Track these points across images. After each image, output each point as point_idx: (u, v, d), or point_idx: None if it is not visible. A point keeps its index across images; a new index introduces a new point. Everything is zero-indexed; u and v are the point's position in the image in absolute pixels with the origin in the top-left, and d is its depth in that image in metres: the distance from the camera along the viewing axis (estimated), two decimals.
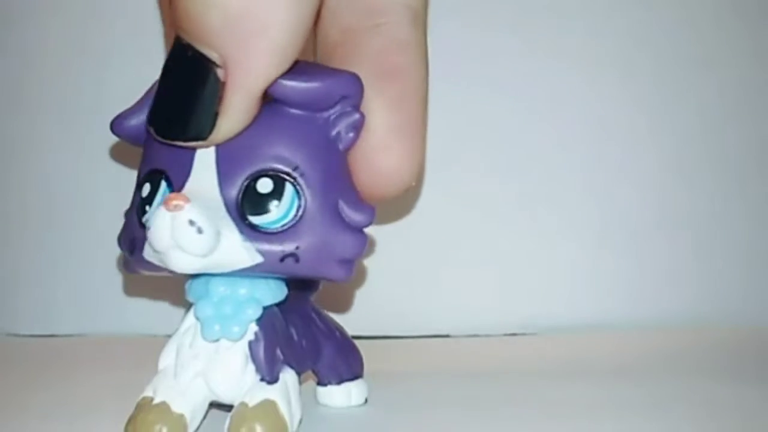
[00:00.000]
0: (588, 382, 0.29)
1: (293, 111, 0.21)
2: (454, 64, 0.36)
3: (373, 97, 0.22)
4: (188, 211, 0.19)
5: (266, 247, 0.21)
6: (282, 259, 0.21)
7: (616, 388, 0.28)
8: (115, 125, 0.23)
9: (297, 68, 0.21)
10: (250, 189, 0.21)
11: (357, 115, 0.22)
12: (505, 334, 0.37)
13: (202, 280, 0.21)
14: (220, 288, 0.21)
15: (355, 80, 0.22)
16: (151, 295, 0.36)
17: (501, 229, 0.37)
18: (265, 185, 0.21)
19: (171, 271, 0.21)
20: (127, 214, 0.23)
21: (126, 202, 0.23)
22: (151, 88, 0.22)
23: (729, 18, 0.38)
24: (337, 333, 0.26)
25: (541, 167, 0.37)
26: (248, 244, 0.20)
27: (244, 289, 0.21)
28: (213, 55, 0.19)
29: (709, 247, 0.38)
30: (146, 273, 0.22)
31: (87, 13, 0.36)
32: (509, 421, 0.25)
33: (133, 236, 0.22)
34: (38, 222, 0.37)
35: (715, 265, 0.38)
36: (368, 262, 0.36)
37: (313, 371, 0.25)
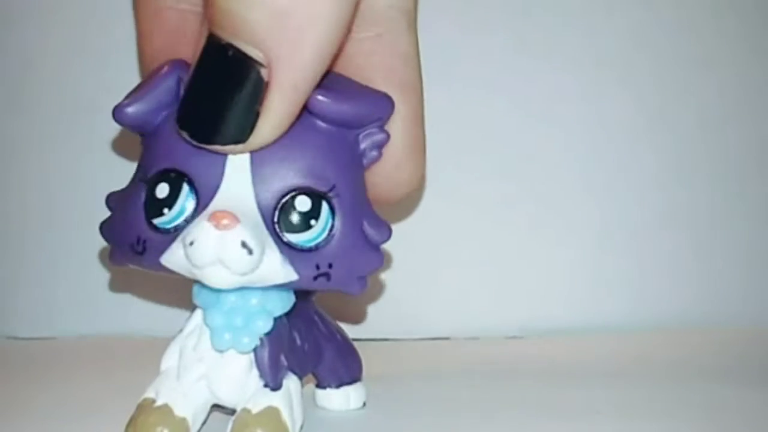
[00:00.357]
0: (588, 384, 0.29)
1: (326, 126, 0.21)
2: (454, 64, 0.36)
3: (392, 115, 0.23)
4: (240, 232, 0.19)
5: (302, 266, 0.20)
6: (316, 278, 0.21)
7: (617, 390, 0.28)
8: (118, 112, 0.22)
9: (335, 83, 0.21)
10: (287, 205, 0.20)
11: (383, 135, 0.22)
12: (506, 337, 0.37)
13: (211, 288, 0.21)
14: (230, 297, 0.21)
15: (390, 103, 0.22)
16: (151, 297, 0.36)
17: (500, 231, 0.37)
18: (303, 203, 0.21)
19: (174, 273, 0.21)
20: (118, 202, 0.22)
21: None
22: (153, 73, 0.22)
23: (728, 18, 0.38)
24: (338, 336, 0.26)
25: (540, 169, 0.37)
26: (287, 263, 0.20)
27: (255, 299, 0.21)
28: (258, 54, 0.19)
29: (709, 248, 0.38)
30: (131, 266, 0.22)
31: (87, 13, 0.36)
32: (509, 424, 0.25)
33: (139, 235, 0.21)
34: (38, 223, 0.37)
35: (715, 266, 0.38)
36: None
37: (313, 374, 0.25)
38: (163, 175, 0.21)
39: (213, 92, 0.19)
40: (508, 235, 0.37)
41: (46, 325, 0.37)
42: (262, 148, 0.20)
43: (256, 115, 0.19)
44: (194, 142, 0.20)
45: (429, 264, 0.37)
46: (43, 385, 0.29)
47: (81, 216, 0.37)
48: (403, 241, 0.36)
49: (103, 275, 0.36)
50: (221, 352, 0.21)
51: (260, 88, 0.19)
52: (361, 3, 0.22)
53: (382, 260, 0.22)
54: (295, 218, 0.20)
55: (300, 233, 0.20)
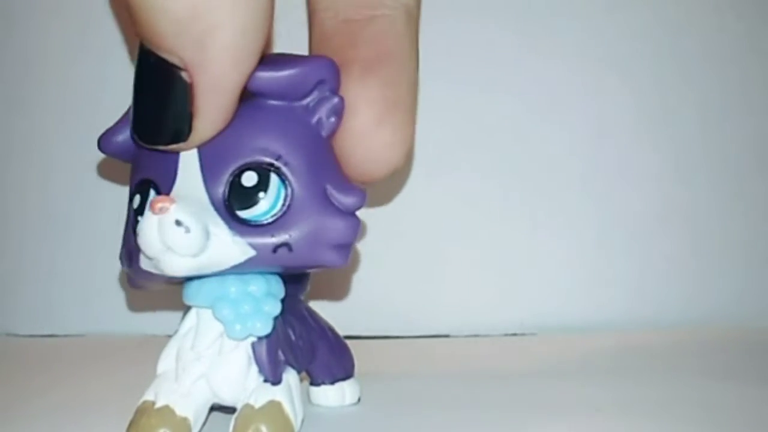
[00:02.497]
0: (588, 382, 0.29)
1: (272, 103, 0.21)
2: (453, 63, 0.36)
3: (368, 75, 0.23)
4: (174, 212, 0.19)
5: (258, 239, 0.20)
6: (275, 250, 0.21)
7: (616, 388, 0.28)
8: (102, 143, 0.23)
9: (269, 60, 0.21)
10: (235, 184, 0.21)
11: (336, 99, 0.22)
12: (505, 334, 0.37)
13: (212, 284, 0.21)
14: (231, 289, 0.21)
15: (329, 64, 0.22)
16: (152, 295, 0.36)
17: (500, 228, 0.37)
18: (249, 178, 0.21)
19: (169, 279, 0.21)
20: (125, 229, 0.23)
21: (126, 202, 0.23)
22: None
23: (729, 17, 0.38)
24: (330, 333, 0.26)
25: (541, 166, 0.37)
26: (239, 239, 0.20)
27: (254, 285, 0.21)
28: (174, 59, 0.19)
29: (709, 247, 0.38)
30: (149, 285, 0.22)
31: (87, 14, 0.36)
32: (508, 422, 0.25)
33: (130, 248, 0.22)
34: (38, 222, 0.37)
35: (715, 264, 0.38)
36: (368, 262, 0.36)
37: (307, 371, 0.25)
38: (137, 187, 0.22)
39: (149, 96, 0.20)
40: (508, 232, 0.37)
41: (46, 322, 0.37)
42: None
43: (191, 115, 0.20)
44: (143, 144, 0.21)
45: (429, 261, 0.37)
46: (43, 382, 0.29)
47: (81, 214, 0.37)
48: (403, 238, 0.37)
49: (103, 273, 0.36)
50: (218, 343, 0.21)
51: (186, 91, 0.19)
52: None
53: (358, 227, 0.21)
54: (242, 194, 0.21)
55: (251, 208, 0.21)
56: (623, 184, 0.38)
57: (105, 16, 0.36)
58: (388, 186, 0.37)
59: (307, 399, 0.26)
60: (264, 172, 0.21)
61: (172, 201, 0.19)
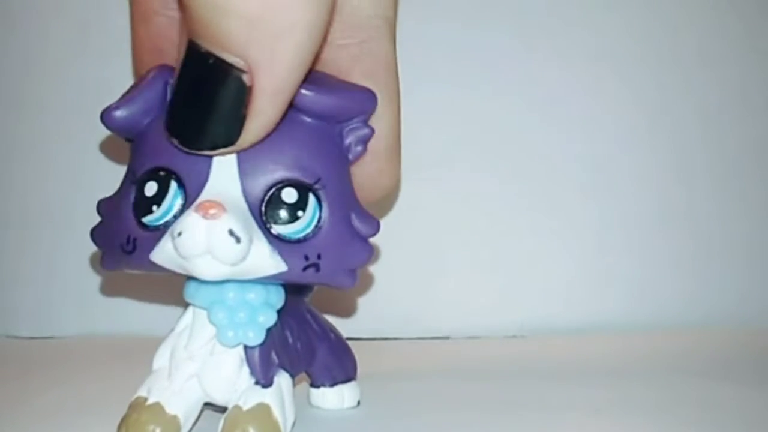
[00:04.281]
0: (587, 383, 0.29)
1: (311, 121, 0.21)
2: (453, 64, 0.37)
3: (375, 121, 0.23)
4: (227, 221, 0.19)
5: (291, 256, 0.21)
6: (305, 269, 0.21)
7: (616, 390, 0.28)
8: (106, 116, 0.22)
9: (318, 79, 0.21)
10: (274, 198, 0.21)
11: (367, 130, 0.22)
12: (505, 336, 0.37)
13: (211, 285, 0.21)
14: (230, 294, 0.21)
15: (373, 97, 0.22)
16: (150, 297, 0.36)
17: (500, 230, 0.37)
18: (290, 195, 0.21)
19: (157, 269, 0.21)
20: (109, 207, 0.22)
21: None
22: (141, 78, 0.22)
23: (729, 17, 0.38)
24: (332, 335, 0.26)
25: (540, 168, 0.37)
26: (276, 254, 0.20)
27: (253, 293, 0.21)
28: (237, 61, 0.19)
29: (709, 248, 0.38)
30: (124, 270, 0.22)
31: (87, 14, 0.36)
32: (509, 423, 0.25)
33: (129, 234, 0.21)
34: (38, 223, 0.37)
35: (715, 265, 0.38)
36: (368, 264, 0.36)
37: (307, 373, 0.25)
38: (152, 174, 0.21)
39: (198, 99, 0.20)
40: (508, 234, 0.37)
41: (46, 324, 0.37)
42: None
43: (243, 118, 0.19)
44: (184, 149, 0.20)
45: (429, 264, 0.37)
46: (43, 383, 0.29)
47: (80, 216, 0.36)
48: (403, 240, 0.36)
49: (103, 275, 0.36)
50: (210, 344, 0.21)
51: (244, 93, 0.19)
52: (344, 11, 0.23)
53: (372, 253, 0.22)
54: (282, 210, 0.21)
55: (287, 225, 0.21)
56: (623, 186, 0.38)
57: (105, 16, 0.36)
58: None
59: (306, 400, 0.26)
60: (304, 191, 0.21)
61: (224, 208, 0.19)
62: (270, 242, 0.20)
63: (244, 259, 0.20)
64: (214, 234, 0.19)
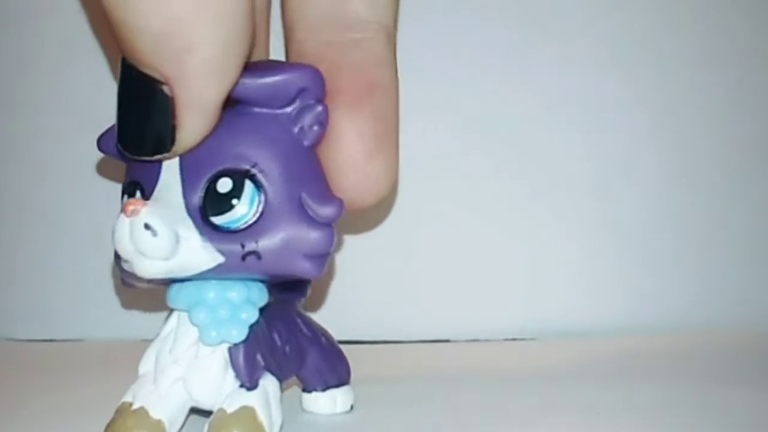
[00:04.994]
0: (589, 386, 0.29)
1: (255, 110, 0.21)
2: (452, 64, 0.36)
3: (359, 107, 0.23)
4: (144, 215, 0.19)
5: (227, 246, 0.20)
6: (243, 258, 0.21)
7: (618, 393, 0.28)
8: (101, 143, 0.23)
9: (253, 66, 0.21)
10: (210, 190, 0.21)
11: (319, 108, 0.22)
12: (506, 339, 0.37)
13: (190, 287, 0.21)
14: (210, 294, 0.21)
15: (313, 72, 0.22)
16: (149, 301, 0.36)
17: (500, 232, 0.37)
18: (224, 185, 0.21)
19: (149, 280, 0.21)
20: None
21: None
22: None
23: (731, 16, 0.37)
24: (323, 339, 0.25)
25: (541, 170, 0.37)
26: (208, 245, 0.20)
27: (234, 292, 0.21)
28: (155, 74, 0.19)
29: (711, 250, 0.38)
30: (138, 285, 0.22)
31: (84, 15, 0.37)
32: (509, 427, 0.24)
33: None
34: (36, 225, 0.37)
35: (717, 267, 0.38)
36: (367, 267, 0.36)
37: (298, 377, 0.25)
38: (127, 188, 0.22)
39: (132, 109, 0.20)
40: (509, 236, 0.37)
41: (45, 327, 0.37)
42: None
43: (173, 128, 0.20)
44: (128, 155, 0.21)
45: (429, 266, 0.37)
46: (41, 386, 0.29)
47: (80, 218, 0.37)
48: (403, 242, 0.36)
49: (102, 277, 0.36)
50: (194, 347, 0.21)
51: (167, 104, 0.20)
52: (339, 15, 0.23)
53: (332, 238, 0.21)
54: (216, 199, 0.21)
55: (224, 214, 0.21)
56: (624, 187, 0.37)
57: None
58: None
59: (299, 405, 0.26)
60: (239, 178, 0.21)
61: (144, 204, 0.20)
62: (204, 234, 0.20)
63: (175, 254, 0.20)
64: (134, 230, 0.19)
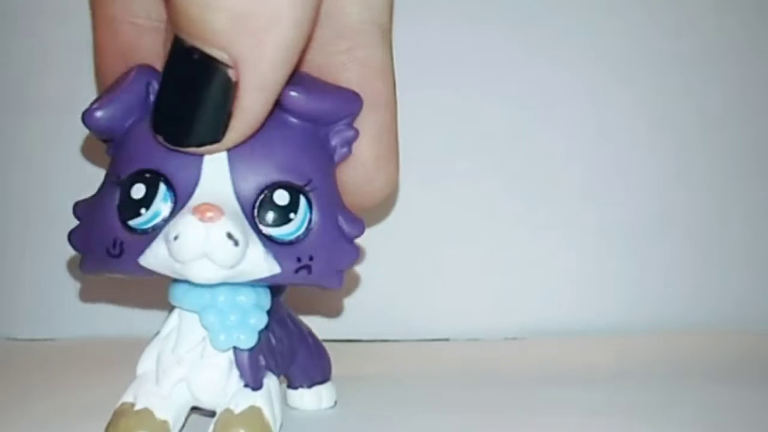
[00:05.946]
0: (588, 386, 0.29)
1: (298, 122, 0.22)
2: (452, 66, 0.36)
3: (360, 123, 0.23)
4: (225, 224, 0.19)
5: (284, 258, 0.21)
6: (297, 270, 0.21)
7: (616, 392, 0.28)
8: (88, 117, 0.22)
9: (305, 80, 0.21)
10: (266, 200, 0.21)
11: (352, 132, 0.23)
12: (505, 338, 0.37)
13: (201, 289, 0.21)
14: (220, 297, 0.21)
15: (358, 100, 0.22)
16: (151, 299, 0.36)
17: (500, 232, 0.37)
18: (282, 197, 0.21)
19: (146, 274, 0.20)
20: (88, 209, 0.22)
21: None
22: (121, 78, 0.22)
23: (729, 19, 0.38)
24: (309, 337, 0.26)
25: (540, 170, 0.37)
26: (270, 256, 0.21)
27: (243, 296, 0.21)
28: (222, 56, 0.19)
29: (709, 251, 0.38)
30: (103, 273, 0.22)
31: (88, 15, 0.36)
32: (508, 426, 0.25)
33: (115, 237, 0.21)
34: (38, 225, 0.37)
35: (715, 268, 0.38)
36: (368, 266, 0.36)
37: (284, 374, 0.25)
38: (139, 176, 0.21)
39: (183, 95, 0.20)
40: (508, 236, 0.37)
41: (46, 326, 0.37)
42: (236, 146, 0.20)
43: (229, 115, 0.19)
44: (169, 146, 0.20)
45: (429, 265, 0.37)
46: (42, 386, 0.29)
47: None
48: (403, 242, 0.36)
49: (103, 277, 0.36)
50: (199, 348, 0.21)
51: (229, 89, 0.19)
52: (334, 15, 0.23)
53: (358, 254, 0.22)
54: (274, 212, 0.21)
55: (280, 227, 0.21)
56: (623, 188, 0.37)
57: None
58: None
59: (283, 401, 0.26)
60: (295, 193, 0.21)
61: (222, 212, 0.19)
62: (266, 246, 0.20)
63: (240, 262, 0.20)
64: (212, 237, 0.19)
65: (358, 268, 0.36)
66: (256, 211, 0.21)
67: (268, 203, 0.21)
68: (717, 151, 0.38)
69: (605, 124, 0.37)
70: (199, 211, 0.19)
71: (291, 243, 0.21)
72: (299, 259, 0.21)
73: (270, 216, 0.21)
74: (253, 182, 0.21)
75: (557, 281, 0.37)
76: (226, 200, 0.20)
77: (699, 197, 0.38)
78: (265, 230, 0.21)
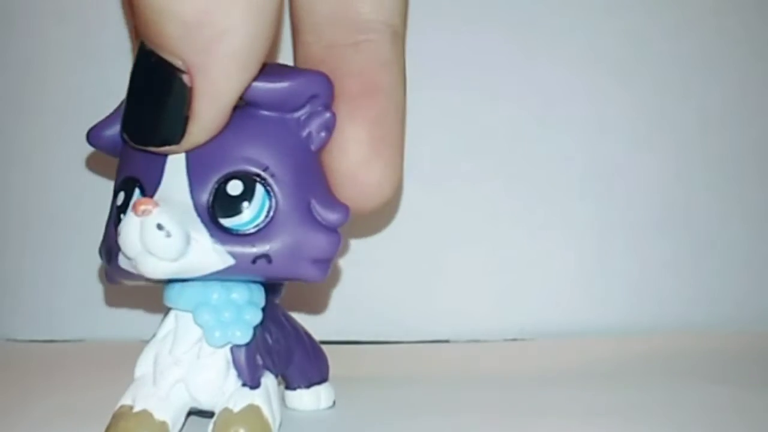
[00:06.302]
0: (588, 387, 0.29)
1: (264, 113, 0.21)
2: (452, 68, 0.36)
3: (355, 113, 0.23)
4: (156, 216, 0.19)
5: (238, 249, 0.20)
6: (254, 261, 0.21)
7: (616, 393, 0.28)
8: (91, 136, 0.23)
9: (267, 70, 0.21)
10: (220, 191, 0.21)
11: (328, 114, 0.22)
12: (505, 339, 0.37)
13: (193, 288, 0.21)
14: (213, 295, 0.21)
15: (324, 79, 0.22)
16: (151, 301, 0.36)
17: (500, 233, 0.37)
18: (235, 187, 0.21)
19: (147, 279, 0.21)
20: (107, 224, 0.23)
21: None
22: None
23: (728, 19, 0.38)
24: (306, 338, 0.26)
25: (540, 171, 0.37)
26: (219, 247, 0.20)
27: (236, 293, 0.21)
28: (176, 62, 0.19)
29: (709, 251, 0.38)
30: (126, 282, 0.22)
31: (88, 15, 0.37)
32: (508, 427, 0.24)
33: (109, 245, 0.22)
34: (38, 225, 0.37)
35: (715, 269, 0.38)
36: (368, 268, 0.36)
37: (282, 375, 0.25)
38: (122, 184, 0.22)
39: (145, 97, 0.20)
40: (507, 237, 0.37)
41: (46, 327, 0.37)
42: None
43: (186, 119, 0.20)
44: (132, 144, 0.21)
45: (428, 266, 0.37)
46: (43, 387, 0.29)
47: (82, 219, 0.37)
48: (403, 243, 0.36)
49: (103, 278, 0.36)
50: (196, 348, 0.21)
51: (184, 94, 0.19)
52: (345, 15, 0.23)
53: (339, 243, 0.22)
54: (227, 202, 0.21)
55: (234, 217, 0.21)
56: (622, 189, 0.37)
57: (106, 19, 0.36)
58: None
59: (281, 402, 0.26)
60: (250, 181, 0.21)
61: (156, 204, 0.19)
62: (215, 236, 0.20)
63: (184, 255, 0.20)
64: (146, 230, 0.19)
65: (358, 269, 0.36)
66: (209, 203, 0.21)
67: (222, 195, 0.21)
68: (716, 152, 0.38)
69: (605, 125, 0.37)
70: (135, 206, 0.19)
71: (251, 234, 0.21)
72: (254, 249, 0.21)
73: (223, 207, 0.21)
74: (208, 176, 0.21)
75: (557, 282, 0.37)
76: (181, 196, 0.20)
77: (698, 197, 0.38)
78: (222, 222, 0.20)
